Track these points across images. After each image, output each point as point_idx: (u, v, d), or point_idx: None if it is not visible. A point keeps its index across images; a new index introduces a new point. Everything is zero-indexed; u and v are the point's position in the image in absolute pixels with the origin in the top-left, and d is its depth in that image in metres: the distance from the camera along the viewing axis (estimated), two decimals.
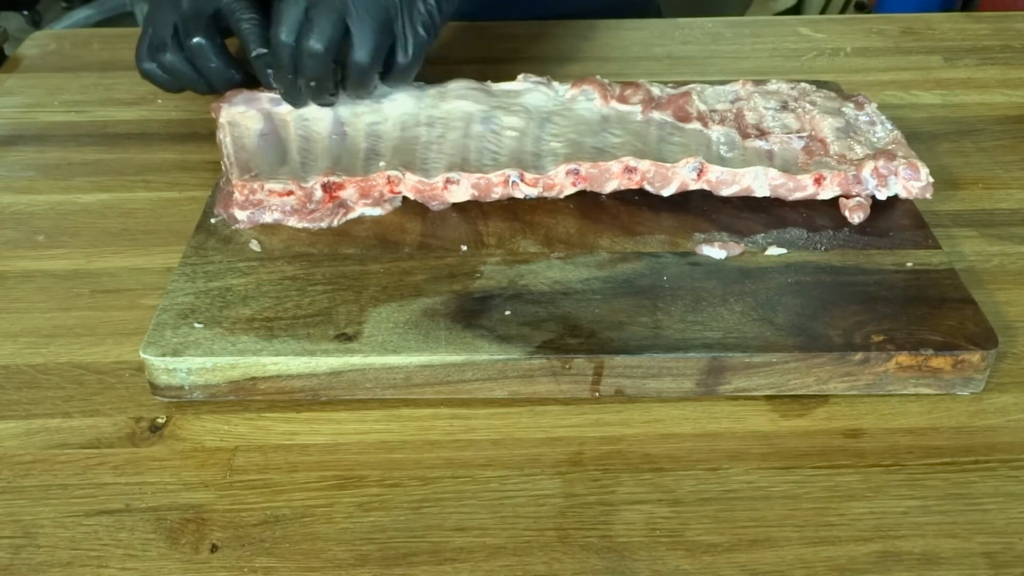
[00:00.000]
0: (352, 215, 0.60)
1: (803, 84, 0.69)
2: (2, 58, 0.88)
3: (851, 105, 0.67)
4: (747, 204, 0.61)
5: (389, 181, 0.60)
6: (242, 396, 0.51)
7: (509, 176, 0.60)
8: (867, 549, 0.44)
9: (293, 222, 0.59)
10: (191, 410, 0.51)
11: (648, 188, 0.61)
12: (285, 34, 0.61)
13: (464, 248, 0.58)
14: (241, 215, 0.59)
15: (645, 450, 0.49)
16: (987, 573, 0.43)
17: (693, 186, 0.61)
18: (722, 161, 0.61)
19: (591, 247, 0.58)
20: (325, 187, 0.60)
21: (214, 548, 0.44)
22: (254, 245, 0.58)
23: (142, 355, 0.50)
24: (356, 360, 0.50)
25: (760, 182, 0.60)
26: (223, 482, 0.48)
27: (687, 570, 0.43)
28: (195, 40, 0.66)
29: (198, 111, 0.78)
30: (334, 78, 0.64)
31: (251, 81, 0.67)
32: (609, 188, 0.61)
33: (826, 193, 0.60)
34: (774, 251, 0.57)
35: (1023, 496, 0.47)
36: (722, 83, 0.69)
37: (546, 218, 0.60)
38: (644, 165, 0.60)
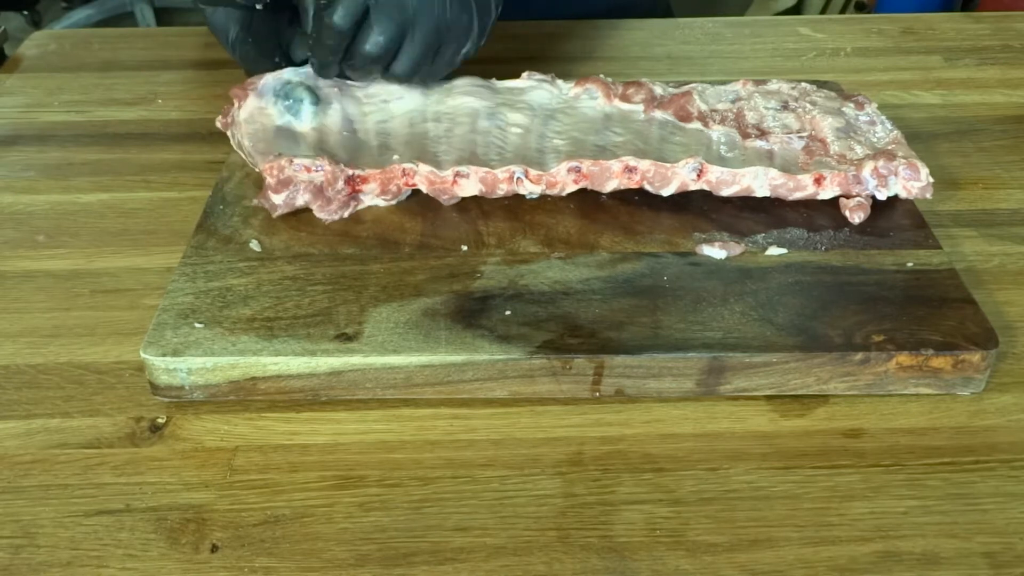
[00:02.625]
0: (362, 206, 0.61)
1: (803, 84, 0.69)
2: (2, 58, 0.88)
3: (851, 105, 0.67)
4: (747, 204, 0.61)
5: (404, 174, 0.60)
6: (242, 396, 0.51)
7: (514, 172, 0.60)
8: (867, 549, 0.44)
9: (316, 209, 0.60)
10: (191, 410, 0.51)
11: (648, 188, 0.61)
12: (341, 18, 0.60)
13: (464, 248, 0.58)
14: (277, 199, 0.59)
15: (645, 450, 0.49)
16: (987, 573, 0.43)
17: (693, 186, 0.61)
18: (722, 161, 0.61)
19: (591, 247, 0.58)
20: (349, 180, 0.60)
21: (214, 548, 0.44)
22: (254, 245, 0.58)
23: (142, 355, 0.50)
24: (356, 360, 0.50)
25: (760, 182, 0.60)
26: (223, 482, 0.48)
27: (687, 570, 0.43)
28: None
29: (198, 111, 0.78)
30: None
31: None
32: (610, 187, 0.61)
33: (826, 193, 0.60)
34: (774, 251, 0.57)
35: (1023, 496, 0.47)
36: (722, 83, 0.69)
37: (546, 218, 0.60)
38: (644, 165, 0.60)
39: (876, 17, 0.97)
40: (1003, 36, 0.90)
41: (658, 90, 0.68)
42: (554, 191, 0.61)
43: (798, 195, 0.61)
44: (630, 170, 0.60)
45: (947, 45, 0.89)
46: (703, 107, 0.67)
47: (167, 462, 0.49)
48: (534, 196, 0.62)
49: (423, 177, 0.60)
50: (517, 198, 0.61)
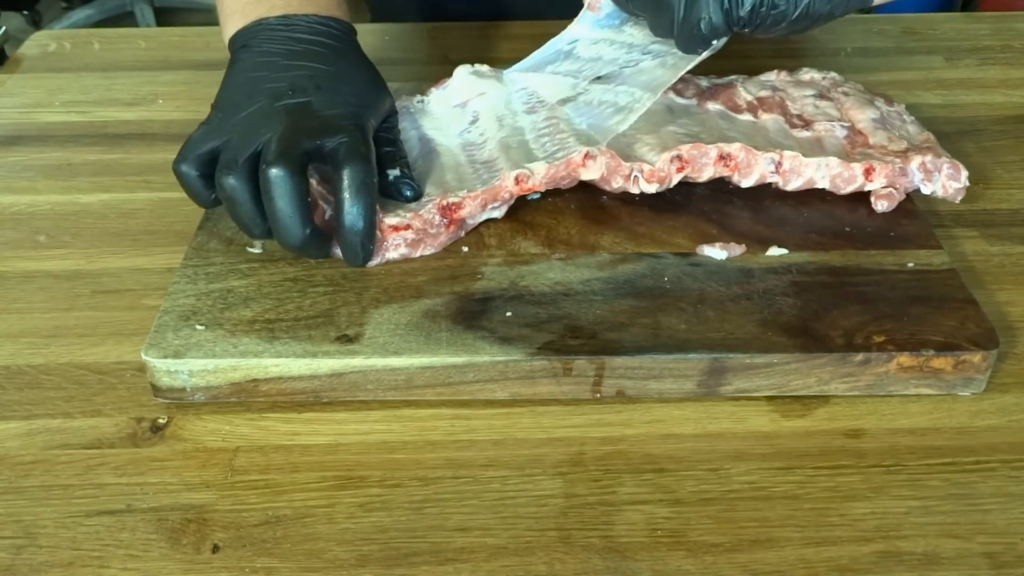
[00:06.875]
0: (475, 221, 0.59)
1: (832, 74, 0.70)
2: (2, 58, 0.88)
3: (880, 100, 0.67)
4: (748, 204, 0.61)
5: (518, 181, 0.58)
6: (244, 398, 0.51)
7: (632, 169, 0.60)
8: (868, 549, 0.44)
9: (422, 252, 0.57)
10: (192, 410, 0.51)
11: (734, 178, 0.61)
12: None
13: (465, 249, 0.58)
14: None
15: (646, 450, 0.49)
16: (988, 573, 0.43)
17: (769, 179, 0.61)
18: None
19: (592, 248, 0.58)
20: (443, 211, 0.57)
21: (215, 548, 0.44)
22: (255, 246, 0.58)
23: (144, 357, 0.50)
24: (357, 362, 0.50)
25: (821, 173, 0.60)
26: (224, 482, 0.48)
27: (688, 570, 0.43)
28: (273, 171, 0.52)
29: (198, 111, 0.78)
30: None
31: (323, 245, 0.56)
32: (706, 176, 0.61)
33: (873, 185, 0.60)
34: (775, 251, 0.57)
35: None
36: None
37: (547, 219, 0.60)
38: (734, 150, 0.60)
39: (876, 17, 0.97)
40: (1003, 36, 0.90)
41: (704, 83, 0.69)
42: (663, 186, 0.61)
43: (850, 188, 0.60)
44: (724, 157, 0.60)
45: (948, 45, 0.89)
46: (748, 97, 0.67)
47: (168, 462, 0.49)
48: (535, 197, 0.62)
49: (540, 177, 0.58)
50: (518, 198, 0.61)
